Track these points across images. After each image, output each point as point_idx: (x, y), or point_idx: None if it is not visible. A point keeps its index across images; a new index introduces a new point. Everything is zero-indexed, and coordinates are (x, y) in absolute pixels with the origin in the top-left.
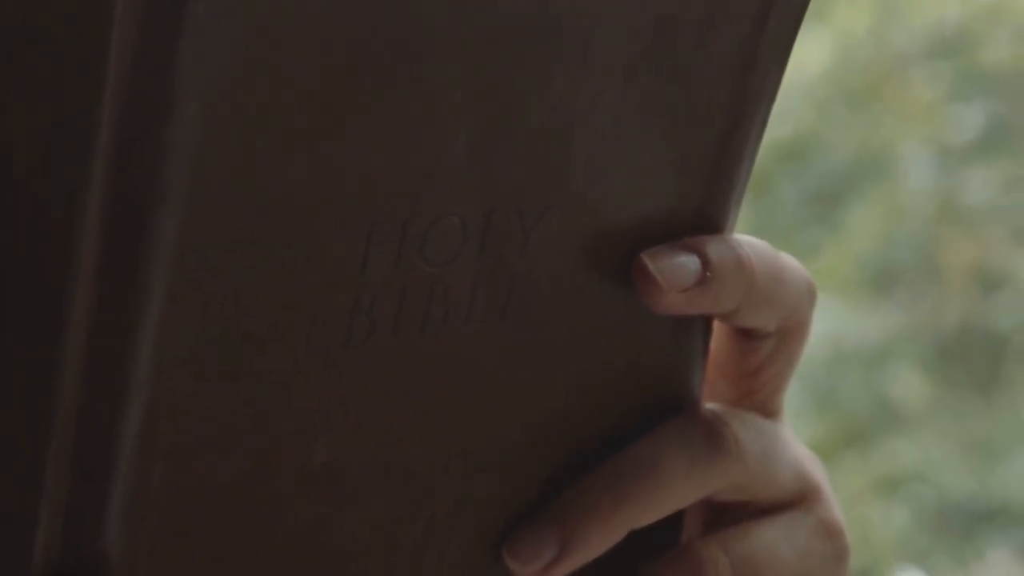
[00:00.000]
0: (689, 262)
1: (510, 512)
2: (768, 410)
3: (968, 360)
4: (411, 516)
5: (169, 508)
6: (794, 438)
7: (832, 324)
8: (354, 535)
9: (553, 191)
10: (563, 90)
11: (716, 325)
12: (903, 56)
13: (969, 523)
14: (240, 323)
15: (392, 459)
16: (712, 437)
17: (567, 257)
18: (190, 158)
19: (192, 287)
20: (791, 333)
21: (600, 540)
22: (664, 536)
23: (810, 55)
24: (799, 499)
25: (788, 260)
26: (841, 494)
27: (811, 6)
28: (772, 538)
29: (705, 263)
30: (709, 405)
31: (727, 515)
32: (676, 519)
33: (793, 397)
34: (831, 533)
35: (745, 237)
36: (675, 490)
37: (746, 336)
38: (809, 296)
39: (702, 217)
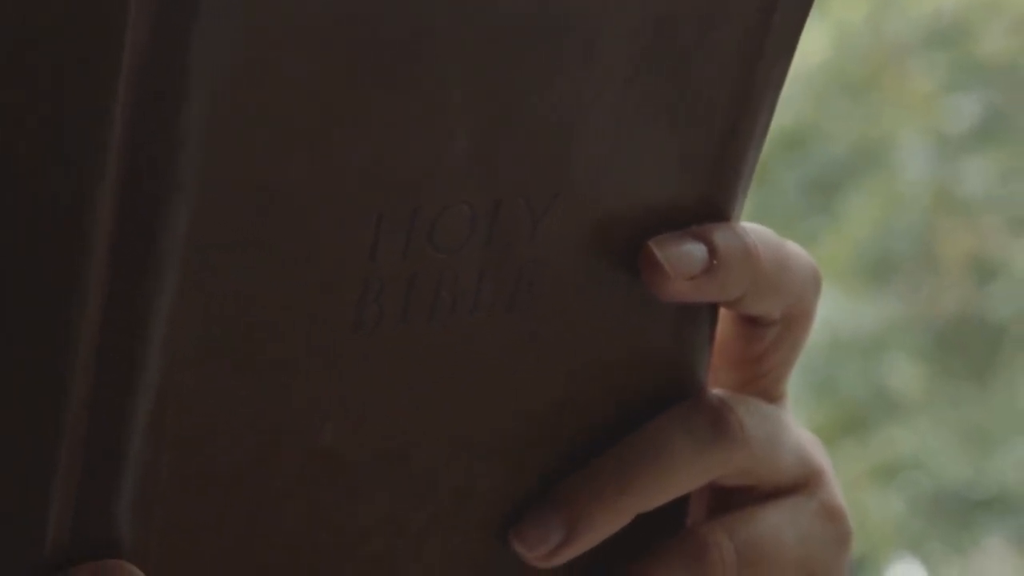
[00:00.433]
0: (696, 250)
1: (516, 499)
2: (772, 396)
3: (965, 349)
4: (416, 503)
5: (178, 498)
6: (796, 423)
7: (830, 312)
8: (359, 522)
9: (560, 182)
10: (567, 84)
11: (721, 312)
12: (901, 47)
13: (965, 511)
14: (249, 314)
15: (397, 446)
16: (717, 422)
17: (574, 246)
18: (200, 154)
19: (201, 280)
20: (796, 320)
21: (607, 524)
22: (670, 520)
23: (809, 45)
24: (802, 483)
25: (793, 248)
26: (838, 481)
27: None
28: (776, 522)
29: (712, 251)
30: (714, 391)
31: (732, 500)
32: (682, 503)
33: (791, 384)
34: (834, 517)
35: (751, 225)
36: (681, 474)
37: (751, 323)
38: (814, 284)
39: (708, 206)
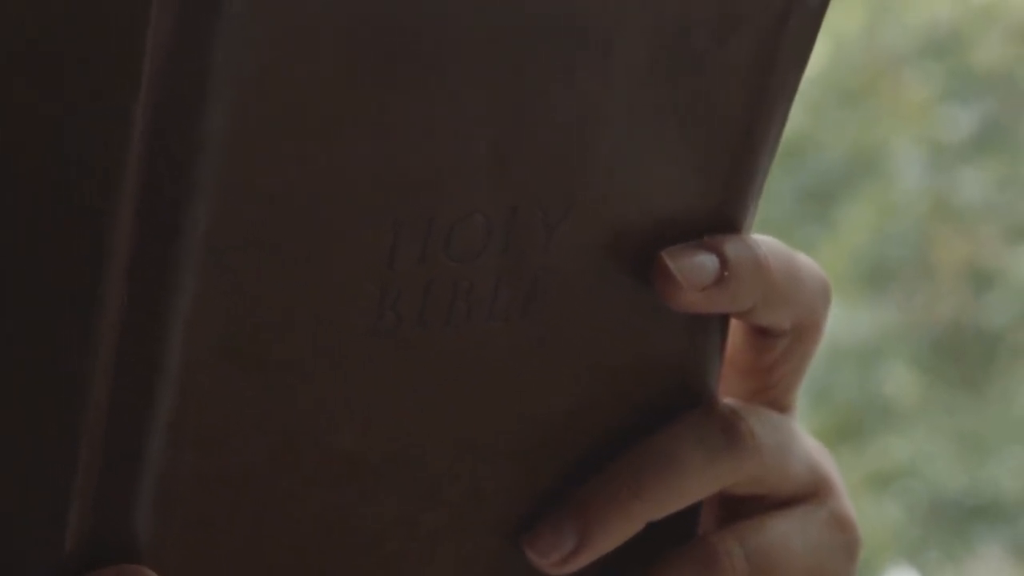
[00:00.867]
0: (708, 261)
1: (527, 505)
2: (781, 406)
3: (960, 357)
4: (428, 506)
5: (196, 496)
6: (805, 433)
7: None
8: (374, 524)
9: (575, 190)
10: (584, 91)
11: (732, 322)
12: (897, 56)
13: (960, 518)
14: (266, 316)
15: (410, 450)
16: (729, 431)
17: (588, 255)
18: (220, 157)
19: (220, 283)
20: (806, 331)
21: (618, 532)
22: (681, 528)
23: None
24: (812, 492)
25: (804, 260)
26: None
27: None
28: (786, 530)
29: (723, 262)
30: (725, 400)
31: (742, 508)
32: (692, 511)
33: None
34: (843, 526)
35: (763, 237)
36: (692, 483)
37: (762, 334)
38: (824, 295)
39: (720, 216)
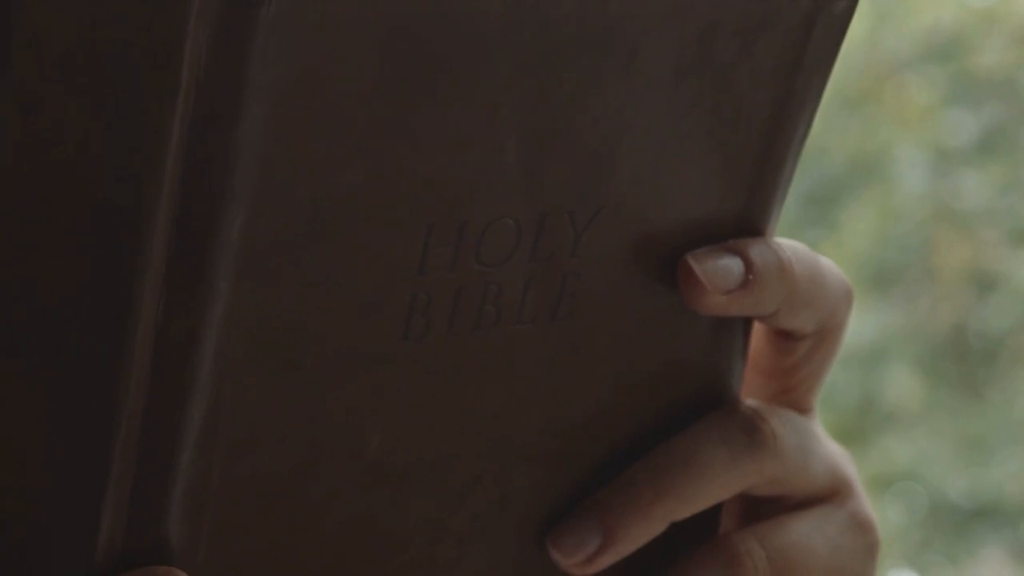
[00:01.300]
0: (733, 265)
1: (553, 506)
2: (802, 408)
3: (962, 360)
4: (456, 508)
5: (228, 498)
6: (826, 435)
7: None
8: (402, 528)
9: (602, 195)
10: (612, 97)
11: (755, 325)
12: (899, 61)
13: (961, 521)
14: (299, 323)
15: (439, 454)
16: (751, 433)
17: (614, 259)
18: (255, 166)
19: (253, 290)
20: (828, 334)
21: (642, 532)
22: (703, 528)
23: None
24: (832, 493)
25: (827, 264)
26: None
27: None
28: (806, 531)
29: (748, 266)
30: (748, 401)
31: (763, 509)
32: (714, 512)
33: None
34: (863, 527)
35: (786, 240)
36: (715, 483)
37: (784, 336)
38: (847, 299)
39: (745, 220)
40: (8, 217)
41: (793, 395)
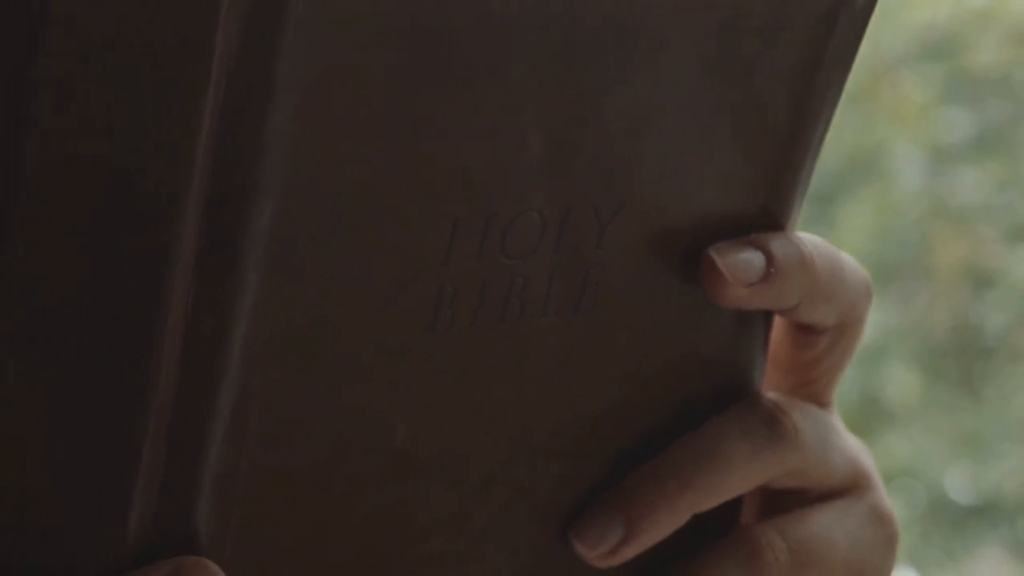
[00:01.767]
0: (755, 258)
1: (575, 498)
2: (821, 402)
3: (960, 357)
4: (479, 501)
5: (255, 491)
6: (844, 428)
7: None
8: (425, 520)
9: (626, 189)
10: (636, 90)
11: (775, 319)
12: (895, 59)
13: (960, 518)
14: (326, 314)
15: (463, 445)
16: (772, 425)
17: (638, 252)
18: (284, 158)
19: (281, 281)
20: (848, 329)
21: (665, 524)
22: (724, 521)
23: None
24: (852, 486)
25: (847, 259)
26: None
27: None
28: (827, 523)
29: (770, 259)
30: (769, 394)
31: (783, 501)
32: (735, 504)
33: None
34: (882, 519)
35: (807, 235)
36: (737, 475)
37: (805, 330)
38: (866, 293)
39: (767, 214)
40: (37, 208)
41: (813, 389)
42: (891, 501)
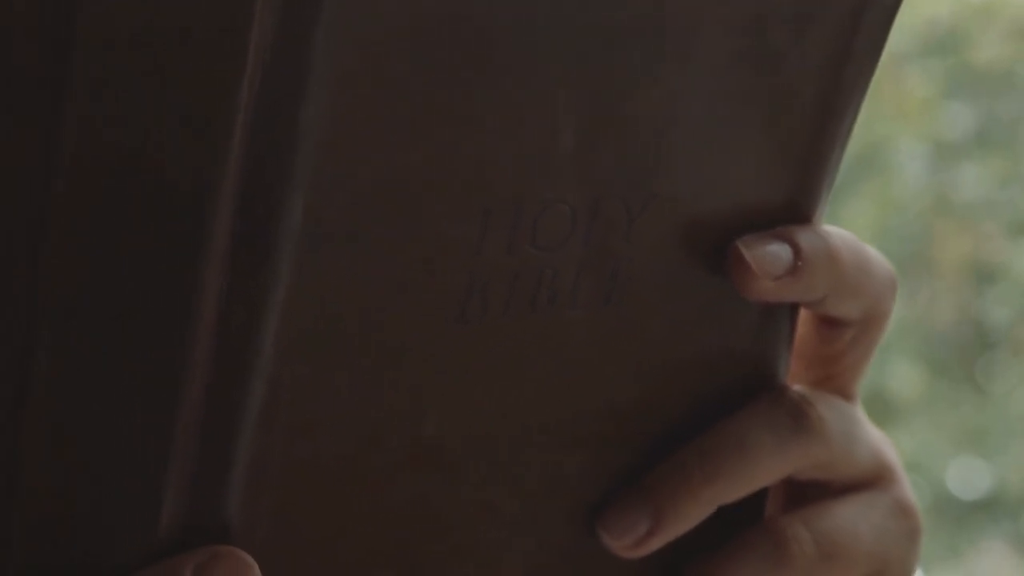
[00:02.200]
0: (782, 251)
1: (602, 490)
2: (846, 394)
3: (963, 352)
4: (508, 491)
5: (287, 480)
6: (868, 421)
7: None
8: (455, 510)
9: (656, 181)
10: (666, 83)
11: (801, 312)
12: (897, 55)
13: (962, 513)
14: (358, 306)
15: (493, 435)
16: (798, 417)
17: (666, 245)
18: (318, 147)
19: (314, 273)
20: (873, 322)
21: (691, 514)
22: (749, 512)
23: None
24: (876, 479)
25: (873, 253)
26: None
27: None
28: (852, 516)
29: (797, 252)
30: (795, 387)
31: (808, 493)
32: (760, 496)
33: None
34: (906, 512)
35: (834, 228)
36: (763, 466)
37: (830, 323)
38: (892, 288)
39: (794, 207)
40: (73, 200)
41: (837, 382)
42: None
